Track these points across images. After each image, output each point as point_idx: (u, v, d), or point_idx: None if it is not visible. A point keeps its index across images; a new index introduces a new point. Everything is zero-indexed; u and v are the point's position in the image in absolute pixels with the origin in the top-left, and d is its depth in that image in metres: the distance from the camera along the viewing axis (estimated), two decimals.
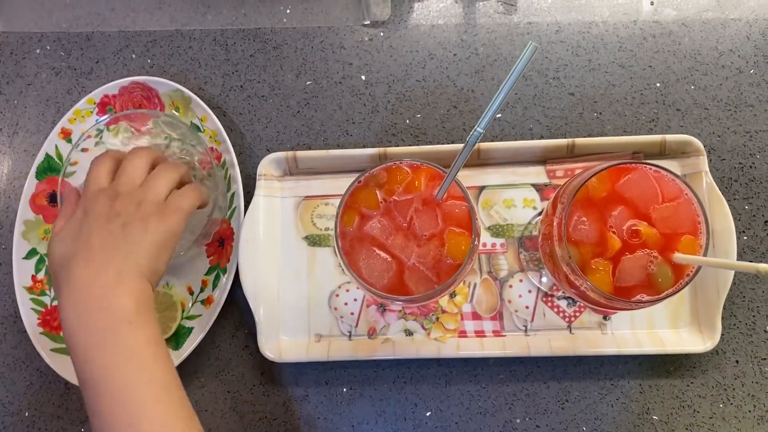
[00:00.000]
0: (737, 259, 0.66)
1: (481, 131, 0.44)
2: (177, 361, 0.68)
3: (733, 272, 0.64)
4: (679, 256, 0.48)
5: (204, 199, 0.65)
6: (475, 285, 0.69)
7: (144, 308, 0.56)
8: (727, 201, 0.64)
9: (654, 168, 0.50)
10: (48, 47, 0.78)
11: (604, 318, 0.67)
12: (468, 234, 0.51)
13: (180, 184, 0.64)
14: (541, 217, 0.66)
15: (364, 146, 0.73)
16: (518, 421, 0.68)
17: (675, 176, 0.49)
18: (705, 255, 0.47)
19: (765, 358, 0.67)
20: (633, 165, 0.50)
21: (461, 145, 0.49)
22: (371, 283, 0.50)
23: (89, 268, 0.55)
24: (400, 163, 0.52)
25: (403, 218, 0.53)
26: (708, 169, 0.66)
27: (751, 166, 0.70)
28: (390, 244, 0.52)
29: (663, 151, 0.67)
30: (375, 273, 0.51)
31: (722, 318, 0.64)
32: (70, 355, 0.54)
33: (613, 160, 0.53)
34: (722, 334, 0.64)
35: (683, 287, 0.48)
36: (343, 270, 0.70)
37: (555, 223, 0.50)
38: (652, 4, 0.74)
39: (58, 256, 0.58)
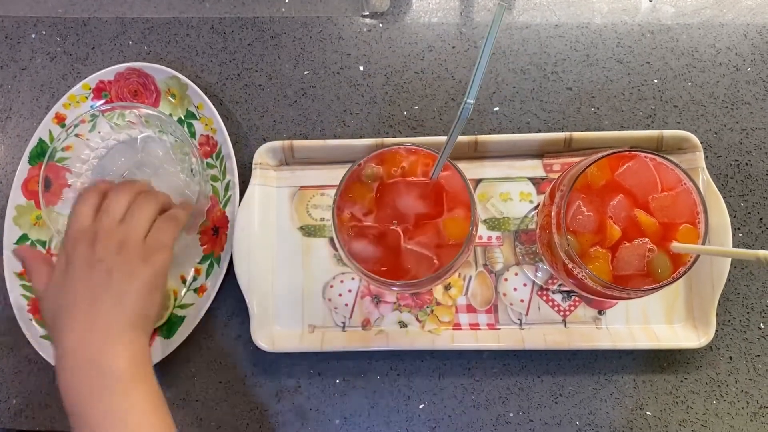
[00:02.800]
0: (732, 260, 0.66)
1: (471, 102, 0.43)
2: (168, 350, 0.67)
3: (728, 268, 0.64)
4: (676, 245, 0.48)
5: (185, 221, 0.64)
6: (470, 278, 0.69)
7: (138, 364, 0.55)
8: (723, 198, 0.64)
9: (653, 157, 0.49)
10: (43, 32, 0.77)
11: (599, 312, 0.67)
12: (466, 218, 0.50)
13: (161, 210, 0.63)
14: (537, 210, 0.66)
15: (361, 137, 0.72)
16: (511, 414, 0.67)
17: (674, 165, 0.48)
18: (704, 244, 0.47)
19: (759, 355, 0.67)
20: (632, 153, 0.50)
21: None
22: (367, 267, 0.50)
23: (77, 327, 0.54)
24: (396, 148, 0.52)
25: (400, 202, 0.52)
26: (704, 166, 0.66)
27: (747, 164, 0.70)
28: (386, 228, 0.52)
29: (660, 147, 0.67)
30: (372, 257, 0.51)
31: (717, 314, 0.64)
32: (67, 414, 0.54)
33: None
34: (716, 331, 0.64)
35: (682, 275, 0.48)
36: (338, 258, 0.69)
37: (554, 212, 0.50)
38: (650, 0, 0.74)
39: (49, 313, 0.57)
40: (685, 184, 0.49)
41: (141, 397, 0.54)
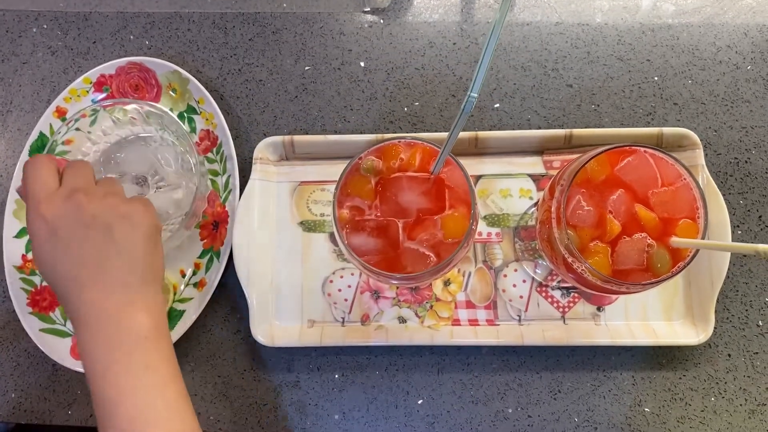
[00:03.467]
0: (731, 255, 0.66)
1: (475, 96, 0.43)
2: None
3: (726, 266, 0.64)
4: (676, 240, 0.48)
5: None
6: (469, 274, 0.69)
7: (159, 321, 0.54)
8: (723, 195, 0.64)
9: (653, 152, 0.50)
10: (45, 26, 0.77)
11: (598, 309, 0.67)
12: (466, 213, 0.50)
13: None
14: (537, 205, 0.66)
15: (361, 133, 0.72)
16: (510, 410, 0.67)
17: (675, 160, 0.49)
18: (703, 239, 0.47)
19: (757, 352, 0.67)
20: (632, 148, 0.50)
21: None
22: (367, 260, 0.50)
23: (91, 287, 0.51)
24: (397, 141, 0.52)
25: (401, 196, 0.52)
26: (704, 163, 0.66)
27: (746, 162, 0.70)
28: (386, 222, 0.52)
29: (660, 144, 0.68)
30: (372, 251, 0.51)
31: (715, 311, 0.64)
32: (86, 376, 0.51)
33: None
34: (715, 328, 0.64)
35: (681, 270, 0.48)
36: (338, 253, 0.69)
37: (554, 207, 0.50)
38: None
39: (51, 281, 0.53)
40: (684, 179, 0.49)
41: (160, 356, 0.52)
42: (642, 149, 0.50)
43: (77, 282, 0.51)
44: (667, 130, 0.67)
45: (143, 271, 0.53)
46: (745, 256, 0.68)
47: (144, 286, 0.53)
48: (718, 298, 0.64)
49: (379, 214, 0.52)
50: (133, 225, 0.53)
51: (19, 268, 0.70)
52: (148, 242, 0.54)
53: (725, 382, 0.67)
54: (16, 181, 0.71)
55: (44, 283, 0.70)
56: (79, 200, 0.52)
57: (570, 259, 0.49)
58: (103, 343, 0.51)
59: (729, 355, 0.67)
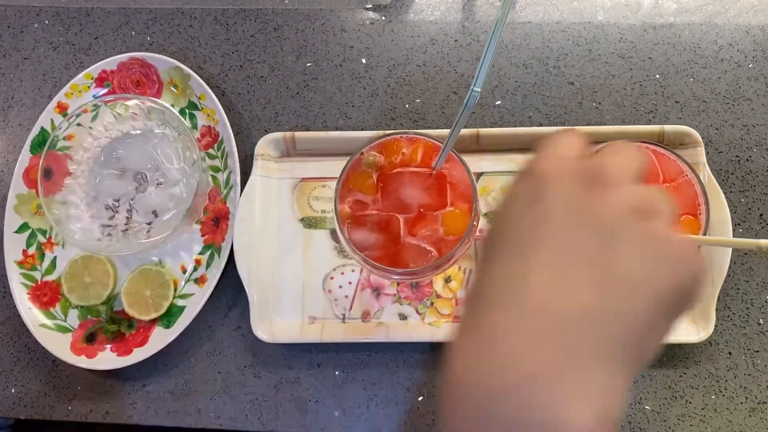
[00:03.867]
0: (732, 253, 0.66)
1: (478, 90, 0.43)
2: (168, 340, 0.67)
3: (727, 264, 0.64)
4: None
5: None
6: (470, 271, 0.69)
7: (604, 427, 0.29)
8: (724, 193, 0.64)
9: (655, 147, 0.50)
10: (46, 21, 0.77)
11: None
12: (467, 210, 0.51)
13: None
14: None
15: (363, 129, 0.72)
16: None
17: (676, 156, 0.49)
18: (705, 234, 0.47)
19: (758, 351, 0.67)
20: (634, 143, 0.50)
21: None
22: (368, 255, 0.50)
23: (531, 339, 0.29)
24: (399, 136, 0.52)
25: (402, 191, 0.52)
26: (705, 161, 0.66)
27: (748, 160, 0.70)
28: (388, 218, 0.52)
29: (661, 142, 0.67)
30: (373, 246, 0.51)
31: (716, 309, 0.64)
32: None
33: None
34: (716, 326, 0.64)
35: None
36: (339, 250, 0.69)
37: None
38: None
39: (488, 258, 0.34)
40: (686, 175, 0.49)
41: None
42: (644, 145, 0.50)
43: (502, 295, 0.32)
44: (669, 127, 0.67)
45: (628, 339, 0.30)
46: (746, 254, 0.68)
47: (614, 363, 0.30)
48: (719, 296, 0.64)
49: (380, 209, 0.52)
50: (656, 258, 0.31)
51: (20, 263, 0.70)
52: (664, 301, 0.31)
53: (726, 380, 0.67)
54: (18, 176, 0.71)
55: (45, 278, 0.70)
56: (588, 188, 0.33)
57: None
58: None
59: (730, 354, 0.67)
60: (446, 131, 0.67)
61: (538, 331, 0.30)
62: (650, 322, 0.31)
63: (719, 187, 0.64)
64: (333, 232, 0.70)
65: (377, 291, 0.69)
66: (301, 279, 0.69)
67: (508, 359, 0.29)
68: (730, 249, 0.64)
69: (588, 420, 0.28)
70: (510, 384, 0.29)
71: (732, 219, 0.64)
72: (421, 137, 0.52)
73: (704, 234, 0.48)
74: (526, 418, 0.28)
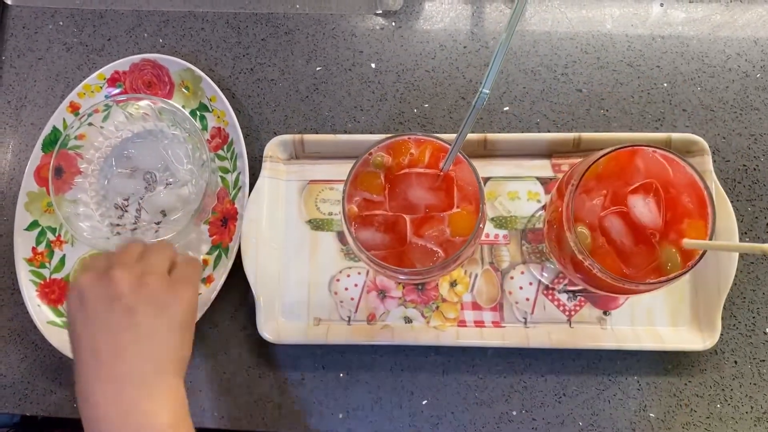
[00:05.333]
0: (739, 262, 0.66)
1: (487, 92, 0.43)
2: None
3: (734, 272, 0.64)
4: (688, 242, 0.48)
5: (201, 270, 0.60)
6: (476, 275, 0.69)
7: (179, 416, 0.49)
8: (731, 202, 0.64)
9: (662, 152, 0.50)
10: (61, 23, 0.78)
11: (604, 313, 0.67)
12: (474, 211, 0.51)
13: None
14: (545, 208, 0.67)
15: (371, 133, 0.73)
16: (514, 413, 0.67)
17: (683, 161, 0.49)
18: (711, 239, 0.47)
19: (764, 360, 0.67)
20: (641, 148, 0.50)
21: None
22: (375, 255, 0.50)
23: (107, 384, 0.48)
24: (407, 138, 0.52)
25: (409, 192, 0.53)
26: (713, 169, 0.66)
27: (755, 169, 0.70)
28: (395, 218, 0.52)
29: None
30: (379, 246, 0.51)
31: (722, 318, 0.64)
32: None
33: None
34: (722, 334, 0.64)
35: (689, 270, 0.48)
36: (345, 252, 0.70)
37: (563, 206, 0.50)
38: (661, 5, 0.75)
39: (75, 355, 0.51)
40: (694, 179, 0.49)
41: None
42: (651, 149, 0.50)
43: (93, 365, 0.49)
44: (676, 135, 0.67)
45: (164, 361, 0.50)
46: (752, 263, 0.68)
47: (165, 377, 0.49)
48: (725, 305, 0.64)
49: (387, 209, 0.53)
50: (159, 312, 0.50)
51: (29, 261, 0.71)
52: (173, 332, 0.51)
53: (731, 389, 0.67)
54: (29, 174, 0.72)
55: (54, 276, 0.71)
56: (112, 276, 0.51)
57: (580, 256, 0.49)
58: None
59: (735, 362, 0.67)
60: (453, 136, 0.68)
61: (125, 381, 0.48)
62: (172, 341, 0.51)
63: (726, 196, 0.64)
64: (340, 234, 0.70)
65: (383, 293, 0.69)
66: (308, 280, 0.70)
67: (118, 394, 0.48)
68: (737, 257, 0.64)
69: (166, 416, 0.48)
70: (124, 406, 0.48)
71: (738, 228, 0.65)
72: (429, 138, 0.52)
73: (710, 238, 0.48)
74: (138, 419, 0.47)
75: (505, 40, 0.41)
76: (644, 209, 0.50)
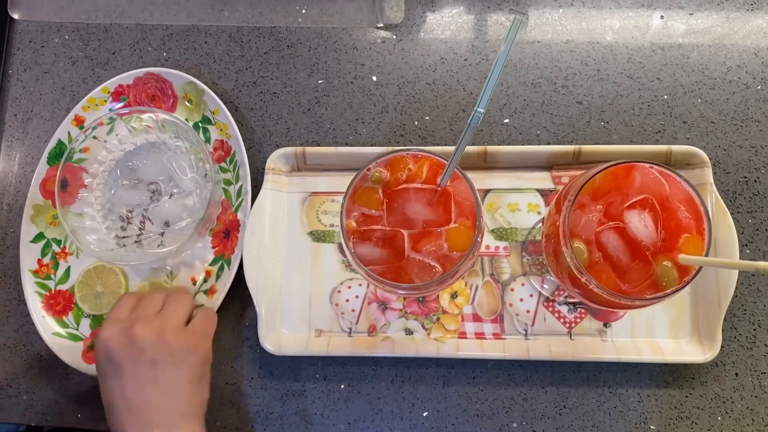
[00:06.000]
0: (739, 274, 0.66)
1: (482, 111, 0.44)
2: None
3: (734, 284, 0.64)
4: (684, 257, 0.48)
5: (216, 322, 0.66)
6: (476, 287, 0.69)
7: None
8: (731, 214, 0.64)
9: (659, 168, 0.50)
10: (66, 37, 0.79)
11: (605, 325, 0.67)
12: (471, 226, 0.51)
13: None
14: (544, 217, 0.67)
15: (372, 145, 0.73)
16: (515, 425, 0.67)
17: (680, 177, 0.49)
18: (707, 254, 0.47)
19: (765, 372, 0.67)
20: (638, 164, 0.50)
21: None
22: (373, 270, 0.51)
23: (138, 429, 0.56)
24: (405, 153, 0.53)
25: (407, 208, 0.53)
26: (713, 181, 0.66)
27: (756, 181, 0.70)
28: (393, 233, 0.53)
29: (668, 162, 0.68)
30: (378, 261, 0.52)
31: (723, 330, 0.64)
32: None
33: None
34: (722, 346, 0.64)
35: (685, 285, 0.48)
36: (346, 263, 0.70)
37: (560, 221, 0.51)
38: (662, 17, 0.75)
39: (106, 406, 0.58)
40: (690, 195, 0.49)
41: None
42: (648, 165, 0.50)
43: (124, 416, 0.56)
44: (676, 147, 0.67)
45: (186, 406, 0.58)
46: (753, 275, 0.68)
47: (185, 420, 0.57)
48: (725, 317, 0.64)
49: (385, 224, 0.53)
50: (179, 364, 0.58)
51: (35, 272, 0.72)
52: (192, 382, 0.58)
53: (732, 402, 0.67)
54: (35, 186, 0.73)
55: (59, 287, 0.72)
56: (134, 333, 0.57)
57: (576, 273, 0.50)
58: None
59: (736, 375, 0.67)
60: (453, 148, 0.68)
61: (147, 425, 0.56)
62: (192, 388, 0.58)
63: (726, 208, 0.64)
64: (341, 246, 0.71)
65: (384, 305, 0.69)
66: (309, 292, 0.70)
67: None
68: (737, 270, 0.64)
69: None
70: None
71: (739, 240, 0.65)
72: (427, 154, 0.53)
73: (707, 254, 0.48)
74: None
75: (499, 60, 0.41)
76: (640, 225, 0.50)
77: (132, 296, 0.64)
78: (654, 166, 0.50)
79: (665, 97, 0.73)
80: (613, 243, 0.50)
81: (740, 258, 0.66)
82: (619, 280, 0.50)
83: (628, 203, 0.51)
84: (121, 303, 0.63)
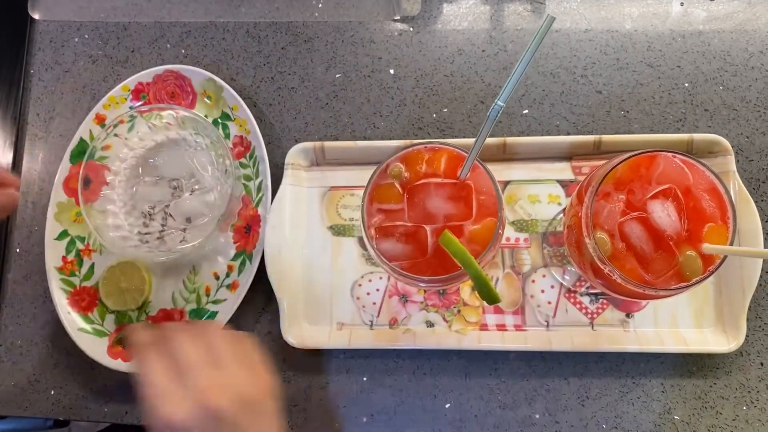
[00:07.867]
0: (764, 262, 0.65)
1: (502, 105, 0.44)
2: None
3: (758, 273, 0.63)
4: (708, 247, 0.48)
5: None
6: (497, 279, 0.69)
7: None
8: (755, 202, 0.64)
9: (682, 157, 0.50)
10: (86, 36, 0.80)
11: (627, 315, 0.67)
12: (493, 218, 0.51)
13: None
14: (565, 211, 0.67)
15: (390, 139, 0.74)
16: (537, 416, 0.67)
17: (703, 166, 0.49)
18: (731, 244, 0.47)
19: None
20: (661, 153, 0.50)
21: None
22: (397, 264, 0.51)
23: None
24: (424, 147, 0.53)
25: (428, 201, 0.53)
26: (736, 169, 0.65)
27: None
28: (414, 227, 0.53)
29: (690, 150, 0.67)
30: (400, 255, 0.52)
31: (747, 319, 0.64)
32: None
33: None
34: (747, 336, 0.64)
35: (710, 275, 0.48)
36: (367, 257, 0.70)
37: (582, 211, 0.50)
38: (682, 4, 0.74)
39: None
40: (714, 184, 0.49)
41: None
42: (671, 154, 0.50)
43: None
44: (698, 136, 0.67)
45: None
46: None
47: None
48: (750, 306, 0.63)
49: (407, 219, 0.53)
50: (257, 412, 0.52)
51: (60, 269, 0.73)
52: (272, 428, 0.54)
53: (757, 391, 0.66)
54: (58, 185, 0.74)
55: (83, 284, 0.73)
56: (204, 402, 0.50)
57: (599, 264, 0.49)
58: None
59: (761, 364, 0.66)
60: (472, 140, 0.68)
61: None
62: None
63: (750, 196, 0.64)
64: (361, 240, 0.71)
65: (404, 298, 0.70)
66: (330, 286, 0.71)
67: None
68: (761, 259, 0.64)
69: None
70: None
71: (763, 228, 0.64)
72: (446, 147, 0.53)
73: (731, 243, 0.47)
74: None
75: (526, 56, 0.41)
76: (664, 214, 0.50)
77: (152, 354, 0.53)
78: (677, 155, 0.50)
79: (686, 85, 0.72)
80: (636, 233, 0.50)
81: (765, 246, 0.65)
82: (643, 271, 0.49)
83: (652, 193, 0.50)
84: (149, 369, 0.52)
